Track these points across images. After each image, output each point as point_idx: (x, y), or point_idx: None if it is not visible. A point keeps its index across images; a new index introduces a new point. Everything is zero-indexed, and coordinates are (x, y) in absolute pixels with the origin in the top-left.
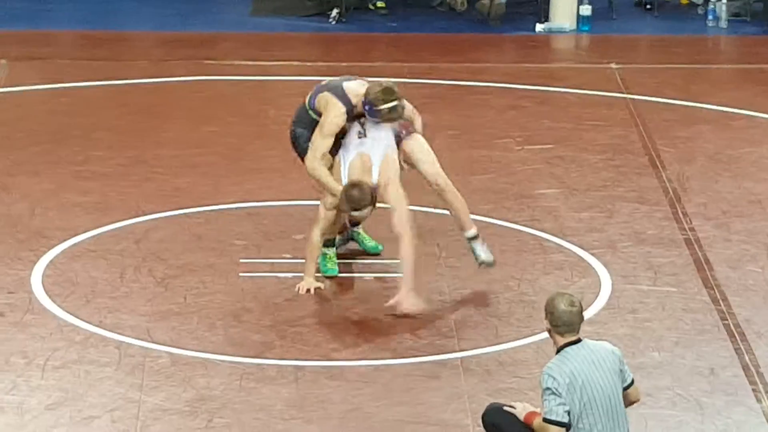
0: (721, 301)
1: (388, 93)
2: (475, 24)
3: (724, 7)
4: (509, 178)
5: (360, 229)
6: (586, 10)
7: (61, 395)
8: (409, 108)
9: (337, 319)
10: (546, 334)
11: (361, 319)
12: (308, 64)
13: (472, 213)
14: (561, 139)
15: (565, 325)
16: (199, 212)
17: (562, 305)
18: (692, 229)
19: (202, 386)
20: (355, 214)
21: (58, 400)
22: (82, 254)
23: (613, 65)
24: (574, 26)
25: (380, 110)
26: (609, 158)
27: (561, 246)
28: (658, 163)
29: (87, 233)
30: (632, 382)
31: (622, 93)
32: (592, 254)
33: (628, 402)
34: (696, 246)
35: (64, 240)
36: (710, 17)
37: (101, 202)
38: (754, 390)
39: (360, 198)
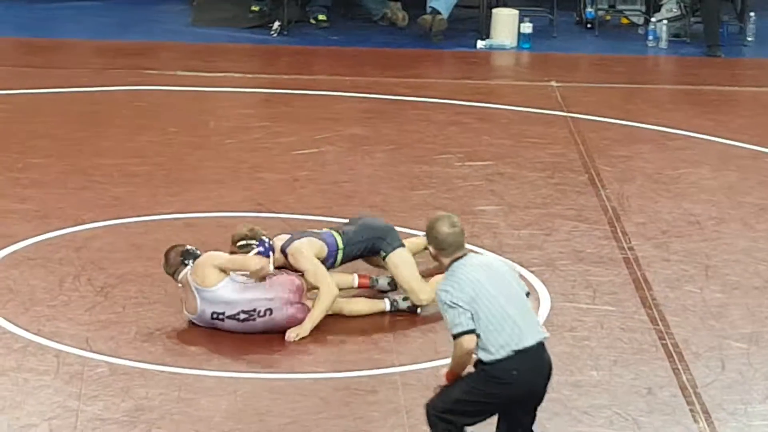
0: (659, 321)
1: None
2: (417, 39)
3: (664, 28)
4: (449, 194)
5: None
6: (527, 27)
7: None
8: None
9: (277, 332)
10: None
11: None
12: (249, 76)
13: (412, 228)
14: (501, 156)
15: (451, 246)
16: (137, 222)
17: (445, 228)
18: (631, 249)
19: (141, 396)
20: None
21: None
22: (21, 262)
23: (554, 83)
24: (514, 44)
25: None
26: (549, 176)
27: None
28: (597, 181)
29: (25, 241)
30: (528, 293)
31: (562, 111)
32: (531, 272)
33: None
34: (635, 265)
35: (3, 248)
36: (650, 37)
37: (40, 210)
38: (691, 410)
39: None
